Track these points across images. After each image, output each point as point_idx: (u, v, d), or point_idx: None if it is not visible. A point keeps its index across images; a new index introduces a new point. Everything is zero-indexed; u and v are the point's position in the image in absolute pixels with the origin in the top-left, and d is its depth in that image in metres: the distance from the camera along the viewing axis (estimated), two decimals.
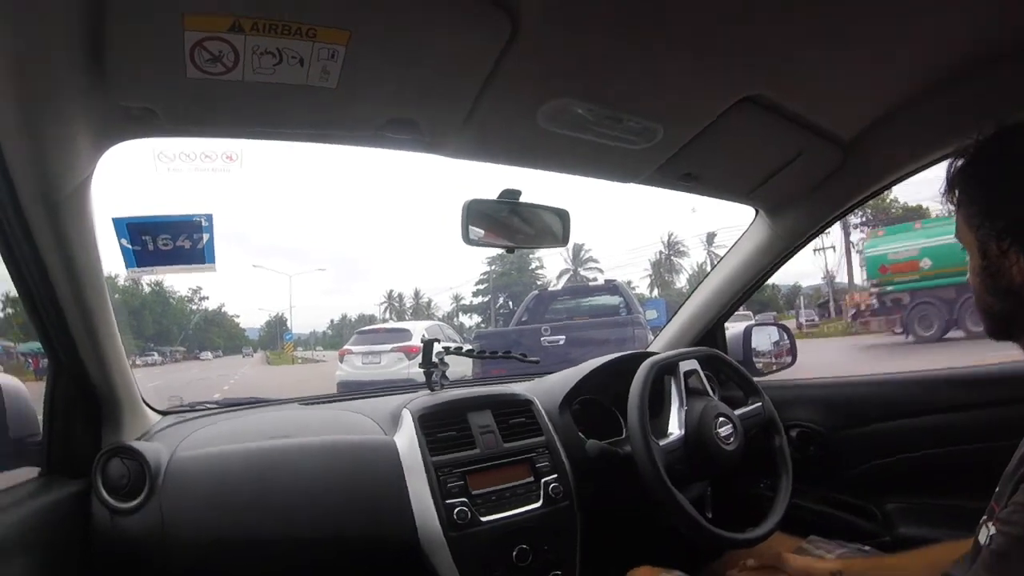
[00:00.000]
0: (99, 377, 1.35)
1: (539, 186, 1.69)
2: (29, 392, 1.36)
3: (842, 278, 36.00)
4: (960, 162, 0.97)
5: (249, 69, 0.94)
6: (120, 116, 1.04)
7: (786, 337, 2.39)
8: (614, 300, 11.02)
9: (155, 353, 36.00)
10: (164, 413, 1.71)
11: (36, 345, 1.37)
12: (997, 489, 0.92)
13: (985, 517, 0.91)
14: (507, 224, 1.60)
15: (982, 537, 0.89)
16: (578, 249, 52.40)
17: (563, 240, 1.69)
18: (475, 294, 58.90)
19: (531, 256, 52.39)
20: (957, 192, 0.98)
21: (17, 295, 1.18)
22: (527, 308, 11.35)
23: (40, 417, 1.35)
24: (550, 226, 1.67)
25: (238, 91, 1.00)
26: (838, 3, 1.02)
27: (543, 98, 1.18)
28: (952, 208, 1.00)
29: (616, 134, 1.32)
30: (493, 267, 54.58)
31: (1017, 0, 1.06)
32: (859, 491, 1.87)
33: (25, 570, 1.07)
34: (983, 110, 0.97)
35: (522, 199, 1.58)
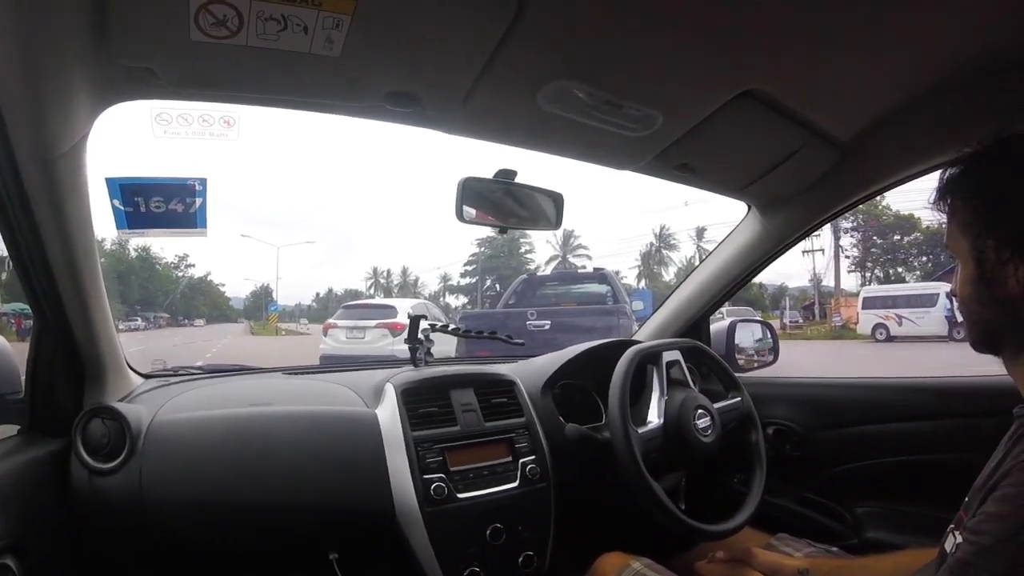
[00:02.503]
0: (84, 337, 1.35)
1: (535, 169, 1.69)
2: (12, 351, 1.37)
3: (828, 281, 36.24)
4: (957, 169, 0.96)
5: (253, 34, 0.94)
6: (120, 76, 1.03)
7: (769, 335, 2.41)
8: (602, 289, 10.96)
9: (139, 318, 35.81)
10: (147, 376, 1.72)
11: (19, 306, 1.36)
12: (967, 499, 0.93)
13: (952, 526, 0.92)
14: (501, 204, 1.61)
15: (948, 545, 0.90)
16: (568, 235, 52.31)
17: (556, 223, 1.69)
18: (463, 275, 58.76)
19: (522, 240, 52.30)
20: (951, 200, 0.97)
21: (5, 255, 1.18)
22: (515, 291, 11.27)
23: (23, 375, 1.35)
24: (544, 209, 1.67)
25: (241, 56, 1.00)
26: (843, 2, 1.02)
27: (544, 79, 1.18)
28: (943, 217, 0.99)
29: (615, 120, 1.32)
30: (483, 249, 54.48)
31: (1020, 11, 1.06)
32: (831, 492, 1.90)
33: (2, 527, 1.07)
34: (981, 119, 0.97)
35: (517, 180, 1.58)
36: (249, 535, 1.41)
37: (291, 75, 1.09)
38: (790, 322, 30.45)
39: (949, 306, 18.75)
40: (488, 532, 1.49)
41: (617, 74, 1.19)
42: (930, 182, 1.23)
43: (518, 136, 1.46)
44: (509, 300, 11.11)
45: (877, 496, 1.82)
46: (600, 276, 11.58)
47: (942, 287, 19.73)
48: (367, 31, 0.97)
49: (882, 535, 1.76)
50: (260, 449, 1.42)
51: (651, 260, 52.20)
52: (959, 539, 0.86)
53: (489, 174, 1.56)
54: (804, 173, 1.66)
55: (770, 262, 2.04)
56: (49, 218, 1.12)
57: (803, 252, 32.43)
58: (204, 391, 1.63)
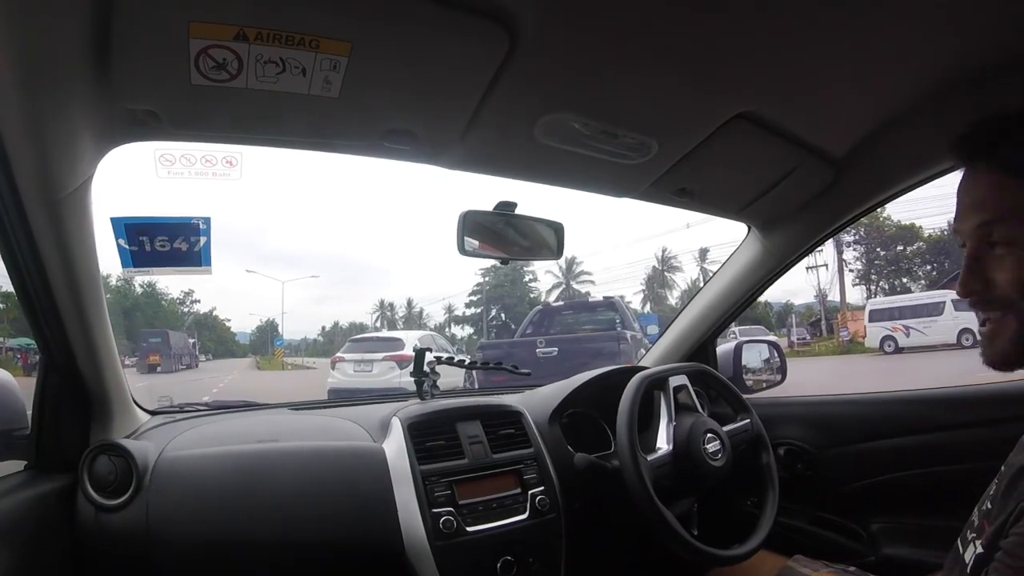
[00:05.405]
0: (91, 374, 1.36)
1: (535, 198, 1.70)
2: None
3: (834, 296, 36.15)
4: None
5: (252, 77, 0.96)
6: (123, 118, 1.05)
7: (776, 355, 2.39)
8: (612, 316, 11.47)
9: None
10: (153, 413, 1.71)
11: (25, 340, 1.37)
12: (988, 506, 0.85)
13: (974, 535, 0.86)
14: (502, 235, 1.61)
15: (967, 555, 0.84)
16: (571, 263, 52.41)
17: (557, 252, 1.70)
18: (468, 305, 58.87)
19: (524, 269, 52.42)
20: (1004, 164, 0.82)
21: (12, 291, 1.19)
22: (532, 321, 12.10)
23: (29, 411, 1.35)
24: (545, 238, 1.68)
25: (241, 98, 1.01)
26: (830, 20, 1.02)
27: (540, 112, 1.19)
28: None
29: (611, 149, 1.33)
30: (487, 279, 54.58)
31: (1008, 16, 1.05)
32: (845, 510, 1.88)
33: (7, 562, 1.07)
34: None
35: (518, 211, 1.59)
36: (257, 571, 1.39)
37: (291, 116, 1.11)
38: (798, 339, 30.30)
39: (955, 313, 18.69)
40: (499, 565, 1.47)
41: (610, 104, 1.20)
42: (929, 190, 1.23)
43: (516, 169, 1.47)
44: (527, 330, 11.73)
45: (892, 511, 1.80)
46: (609, 304, 12.37)
47: (948, 295, 19.58)
48: (364, 72, 0.99)
49: (899, 551, 1.74)
50: (267, 485, 1.41)
51: (655, 284, 52.19)
52: (980, 549, 0.80)
53: (490, 204, 1.56)
54: (801, 191, 1.66)
55: (773, 281, 2.04)
56: (55, 258, 1.13)
57: (807, 268, 32.36)
58: (211, 427, 1.62)
